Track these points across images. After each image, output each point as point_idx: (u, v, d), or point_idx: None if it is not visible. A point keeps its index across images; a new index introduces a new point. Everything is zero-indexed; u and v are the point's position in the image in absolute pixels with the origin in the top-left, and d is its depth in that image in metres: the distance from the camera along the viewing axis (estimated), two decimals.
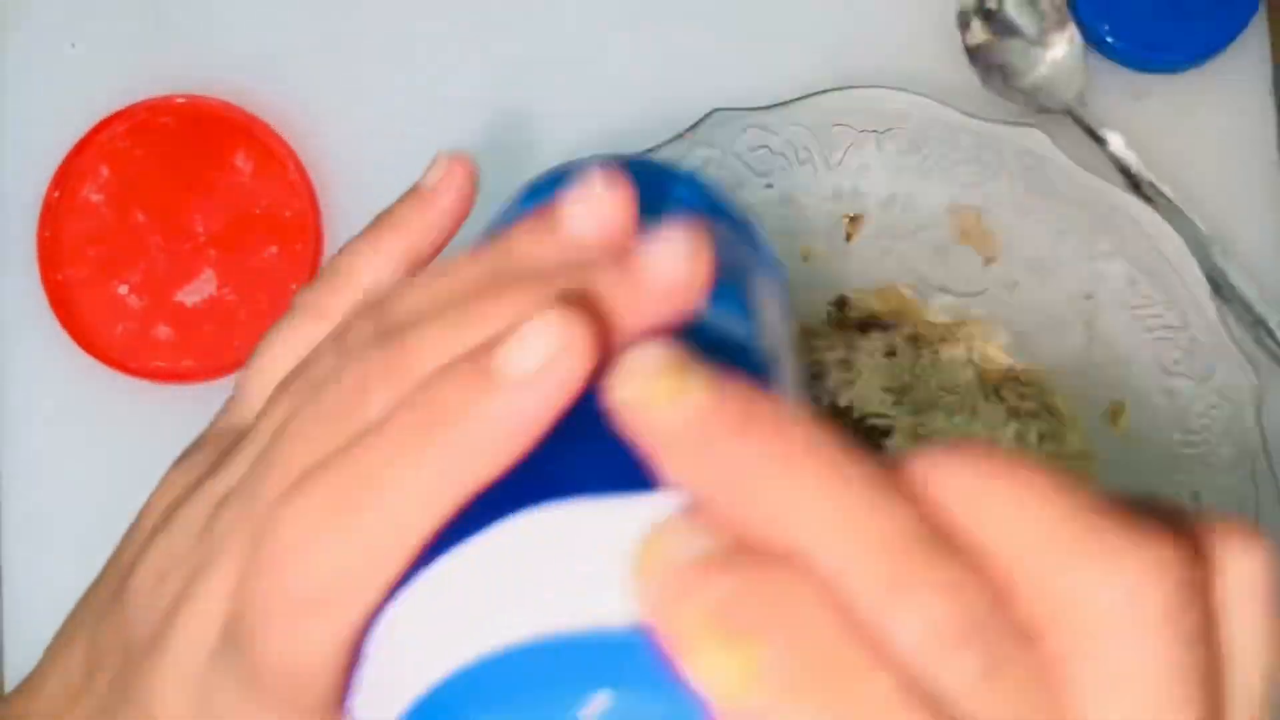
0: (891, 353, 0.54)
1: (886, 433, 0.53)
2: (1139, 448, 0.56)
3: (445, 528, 0.25)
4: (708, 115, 0.55)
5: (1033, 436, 0.54)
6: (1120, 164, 0.58)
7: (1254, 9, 0.58)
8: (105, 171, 0.59)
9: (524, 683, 0.23)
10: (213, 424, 0.34)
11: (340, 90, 0.60)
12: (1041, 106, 0.58)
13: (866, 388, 0.53)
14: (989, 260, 0.57)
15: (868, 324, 0.56)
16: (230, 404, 0.34)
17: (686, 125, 0.55)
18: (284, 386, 0.30)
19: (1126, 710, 0.22)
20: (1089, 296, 0.56)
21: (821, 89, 0.55)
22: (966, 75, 0.59)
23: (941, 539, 0.22)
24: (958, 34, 0.59)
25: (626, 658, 0.23)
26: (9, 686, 0.58)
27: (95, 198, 0.59)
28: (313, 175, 0.59)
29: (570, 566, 0.24)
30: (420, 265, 0.34)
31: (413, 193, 0.35)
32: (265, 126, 0.59)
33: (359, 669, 0.26)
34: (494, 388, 0.25)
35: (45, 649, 0.34)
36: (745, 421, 0.23)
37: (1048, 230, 0.56)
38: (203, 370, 0.59)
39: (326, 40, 0.60)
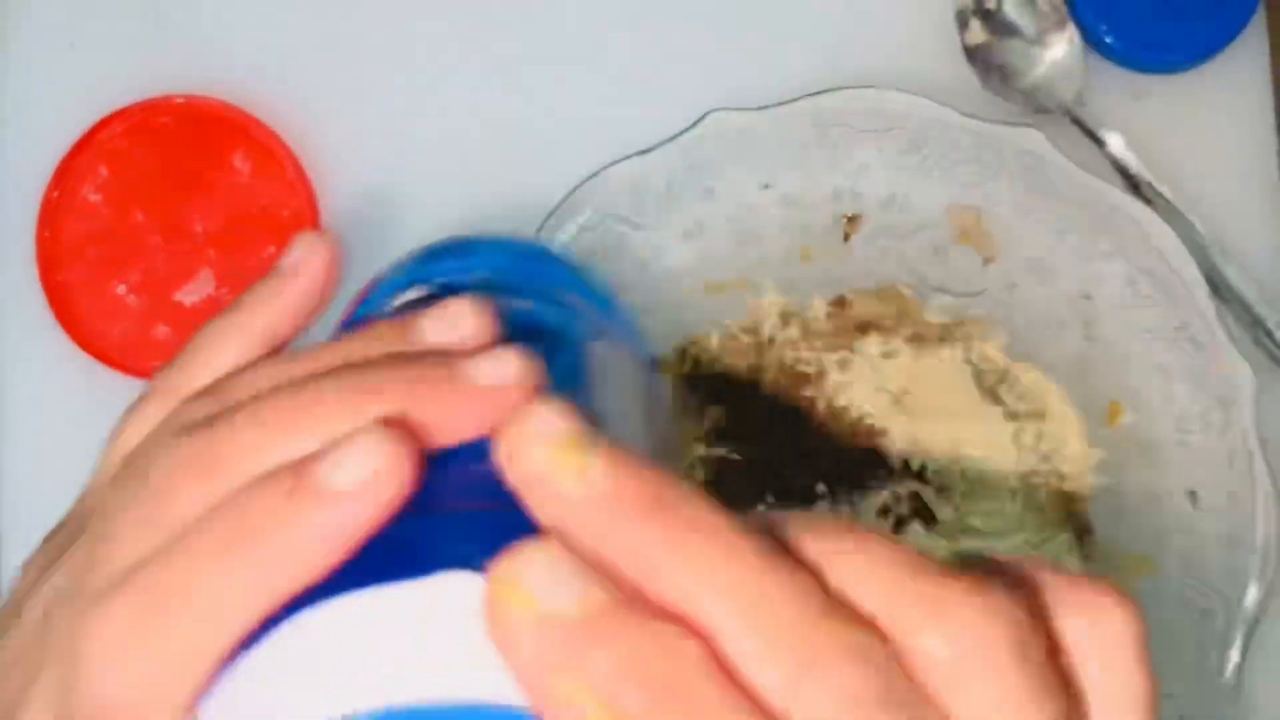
0: (890, 353, 0.54)
1: (884, 434, 0.53)
2: (1136, 448, 0.56)
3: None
4: (705, 115, 0.55)
5: (1030, 437, 0.54)
6: (1119, 164, 0.58)
7: (1253, 10, 0.58)
8: (104, 171, 0.59)
9: None
10: (74, 504, 0.34)
11: (339, 90, 0.60)
12: (1040, 106, 0.58)
13: (865, 388, 0.53)
14: (988, 260, 0.57)
15: (866, 324, 0.56)
16: (88, 485, 0.33)
17: (684, 125, 0.55)
18: (115, 475, 0.30)
19: None
20: (1087, 297, 0.56)
21: (820, 89, 0.55)
22: (965, 75, 0.59)
23: (841, 606, 0.23)
24: (957, 34, 0.59)
25: None
26: None
27: (94, 197, 0.59)
28: (311, 175, 0.59)
29: (407, 643, 0.24)
30: (280, 345, 0.33)
31: (274, 273, 0.34)
32: (263, 126, 0.59)
33: None
34: (310, 502, 0.25)
35: None
36: (645, 504, 0.23)
37: (1046, 230, 0.56)
38: None
39: (325, 40, 0.60)
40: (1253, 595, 0.54)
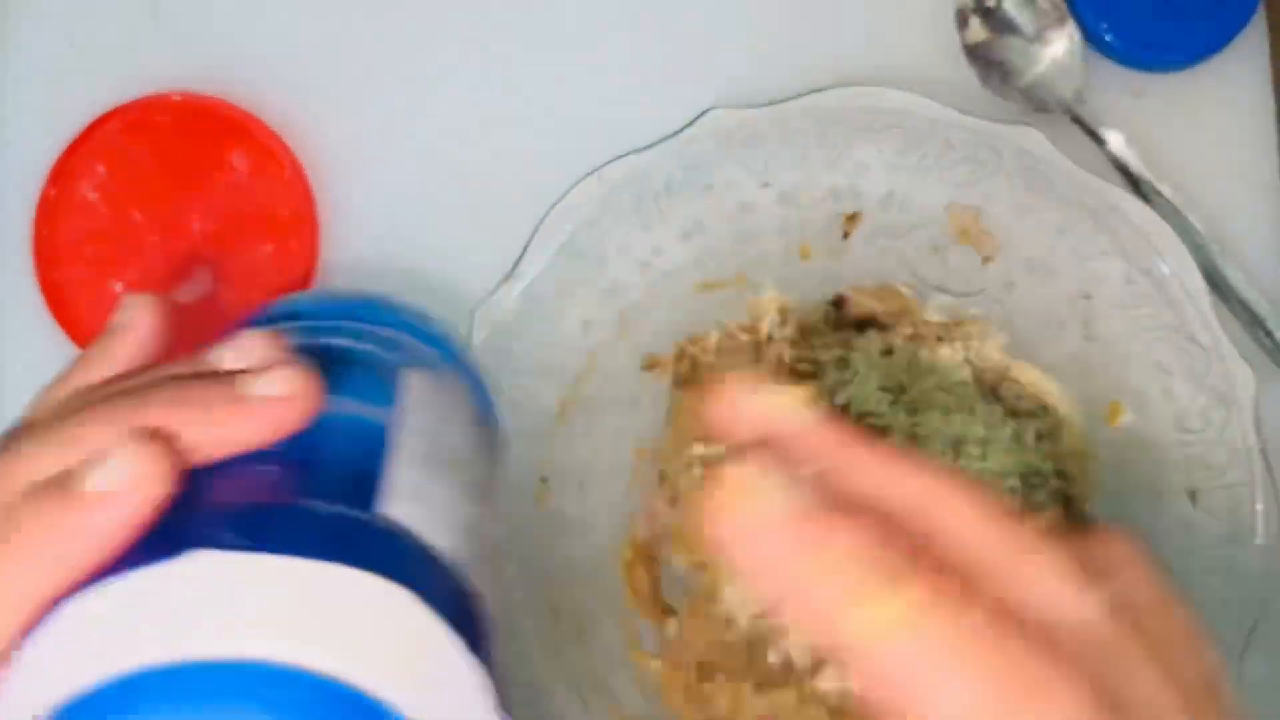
0: (889, 352, 0.54)
1: (883, 433, 0.53)
2: (1136, 447, 0.56)
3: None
4: (704, 113, 0.55)
5: (1030, 436, 0.54)
6: (1118, 163, 0.58)
7: (1253, 8, 0.58)
8: (102, 169, 0.59)
9: (168, 697, 0.28)
10: None
11: (337, 88, 0.60)
12: (1040, 105, 0.58)
13: (863, 387, 0.53)
14: (987, 260, 0.56)
15: (865, 323, 0.56)
16: None
17: (683, 123, 0.55)
18: None
19: None
20: (1087, 296, 0.56)
21: (819, 87, 0.55)
22: (965, 74, 0.59)
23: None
24: (956, 32, 0.59)
25: (272, 687, 0.29)
26: None
27: (91, 196, 0.59)
28: (309, 173, 0.59)
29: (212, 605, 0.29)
30: None
31: (105, 333, 0.39)
32: (261, 124, 0.59)
33: None
34: (70, 505, 0.30)
35: None
36: (849, 435, 0.32)
37: (1046, 230, 0.55)
38: None
39: (323, 38, 0.60)
40: (1253, 595, 0.54)
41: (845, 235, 0.57)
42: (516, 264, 0.55)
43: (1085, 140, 0.58)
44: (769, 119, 0.55)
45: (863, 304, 0.57)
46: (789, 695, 0.53)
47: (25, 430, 0.34)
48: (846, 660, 0.28)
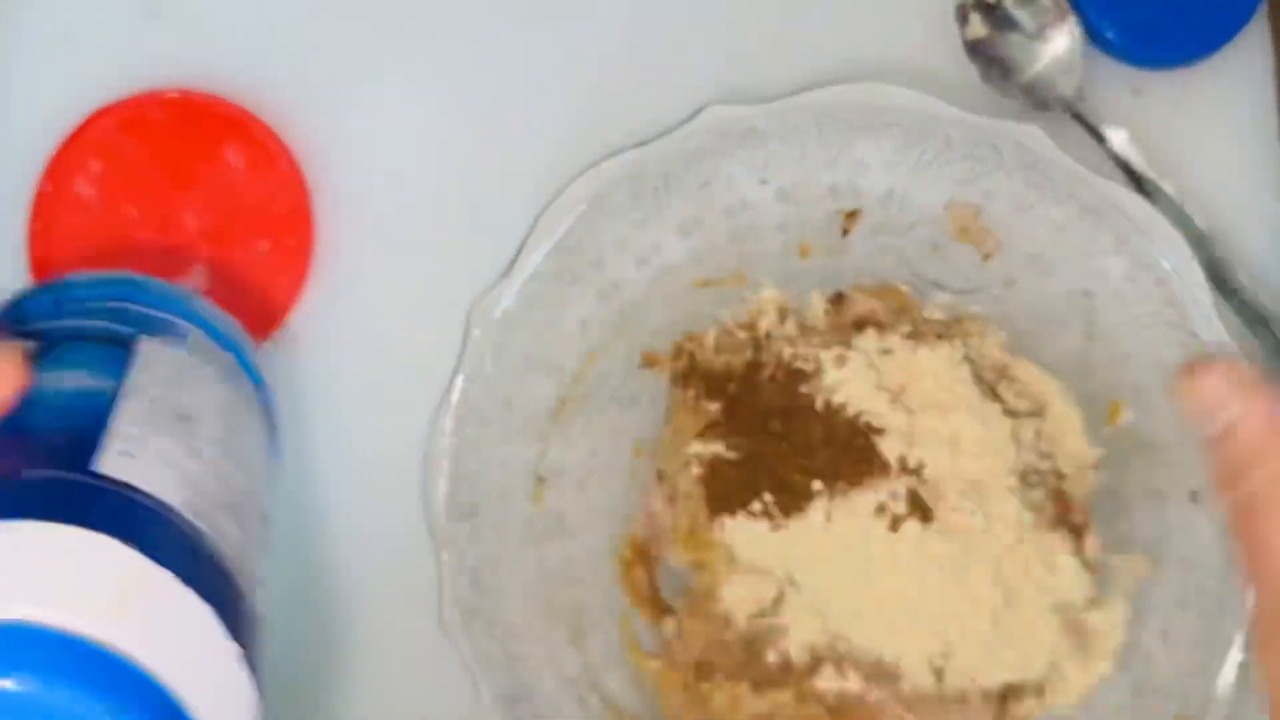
0: (888, 350, 0.54)
1: (881, 431, 0.53)
2: (1137, 446, 0.56)
3: None
4: (702, 109, 0.55)
5: (1029, 435, 0.54)
6: (1120, 160, 0.58)
7: (1255, 6, 0.58)
8: (97, 165, 0.59)
9: None
10: None
11: (334, 85, 0.60)
12: (1040, 102, 0.58)
13: (862, 385, 0.53)
14: (987, 257, 0.57)
15: (864, 321, 0.56)
16: None
17: (681, 119, 0.55)
18: None
19: None
20: (1087, 293, 0.56)
21: (818, 84, 0.55)
22: (966, 70, 0.59)
23: None
24: (957, 29, 0.59)
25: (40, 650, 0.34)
26: None
27: (87, 192, 0.59)
28: (305, 170, 0.59)
29: None
30: None
31: None
32: (258, 121, 0.59)
33: None
34: None
35: None
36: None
37: (1046, 227, 0.56)
38: None
39: (320, 35, 0.60)
40: (1253, 595, 0.54)
41: (844, 233, 0.57)
42: (513, 261, 0.55)
43: (1086, 137, 0.58)
44: (768, 116, 0.55)
45: (862, 302, 0.57)
46: (787, 694, 0.54)
47: None
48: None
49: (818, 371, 0.54)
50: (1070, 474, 0.55)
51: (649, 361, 0.57)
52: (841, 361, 0.54)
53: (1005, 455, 0.53)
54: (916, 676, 0.53)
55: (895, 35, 0.59)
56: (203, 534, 0.42)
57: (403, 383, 0.58)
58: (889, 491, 0.52)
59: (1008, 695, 0.54)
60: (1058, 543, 0.53)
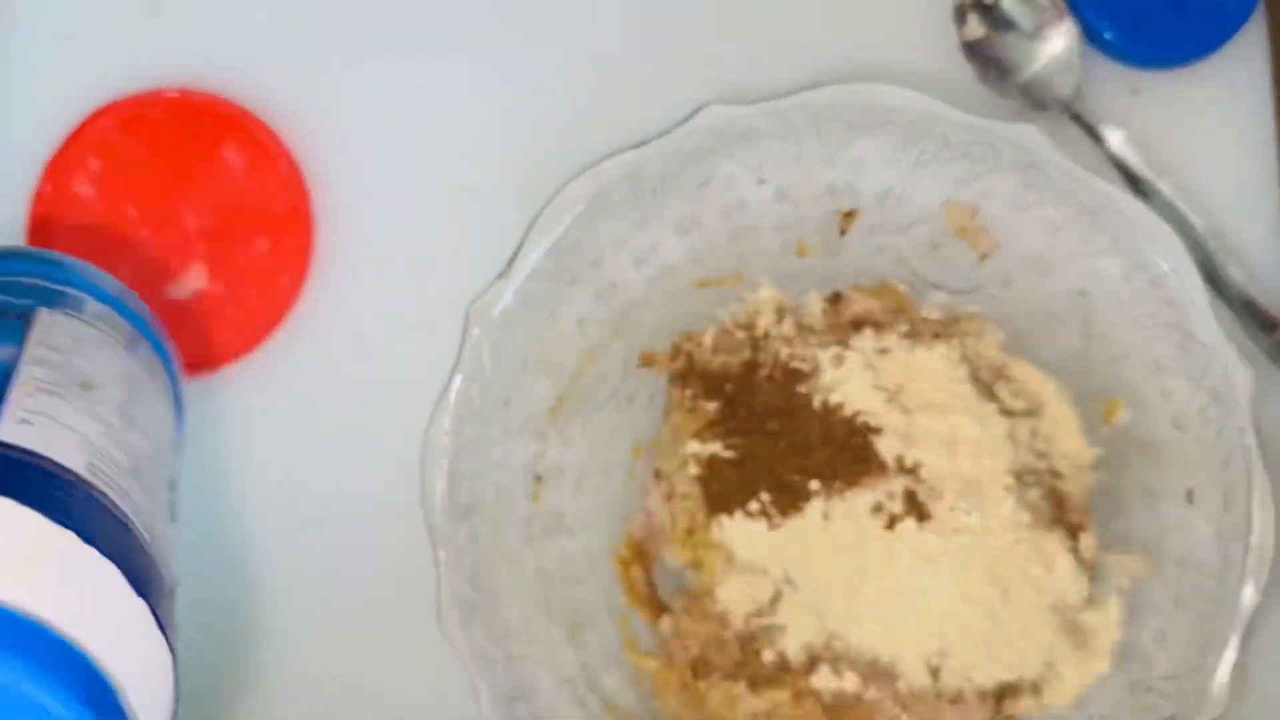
0: (885, 350, 0.54)
1: (878, 431, 0.53)
2: (1133, 446, 0.56)
3: None
4: (700, 109, 0.55)
5: (1025, 434, 0.54)
6: (1117, 160, 0.58)
7: (1252, 6, 0.58)
8: (97, 165, 0.59)
9: None
10: None
11: (333, 85, 0.60)
12: (1038, 102, 0.58)
13: (859, 385, 0.53)
14: (984, 257, 0.57)
15: (862, 321, 0.56)
16: None
17: (679, 119, 0.55)
18: None
19: None
20: (1084, 293, 0.56)
21: (815, 84, 0.55)
22: (964, 70, 0.59)
23: None
24: (954, 29, 0.59)
25: None
26: None
27: (86, 191, 0.59)
28: (304, 169, 0.59)
29: None
30: None
31: None
32: (257, 120, 0.59)
33: None
34: None
35: None
36: None
37: (1043, 227, 0.56)
38: (192, 365, 0.58)
39: (319, 34, 0.60)
40: (1249, 594, 0.54)
41: (842, 232, 0.57)
42: (512, 260, 0.55)
43: (1084, 137, 0.58)
44: (765, 115, 0.55)
45: (859, 302, 0.57)
46: (784, 694, 0.54)
47: None
48: None
49: (815, 371, 0.54)
50: (1067, 473, 0.55)
51: (647, 361, 0.57)
52: (839, 361, 0.54)
53: (1002, 455, 0.53)
54: (913, 675, 0.53)
55: (893, 35, 0.59)
56: (107, 497, 0.44)
57: (401, 382, 0.58)
58: (886, 491, 0.52)
59: (1004, 694, 0.54)
60: (1054, 542, 0.52)
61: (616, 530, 0.58)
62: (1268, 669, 0.57)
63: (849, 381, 0.54)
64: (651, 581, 0.58)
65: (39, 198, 0.59)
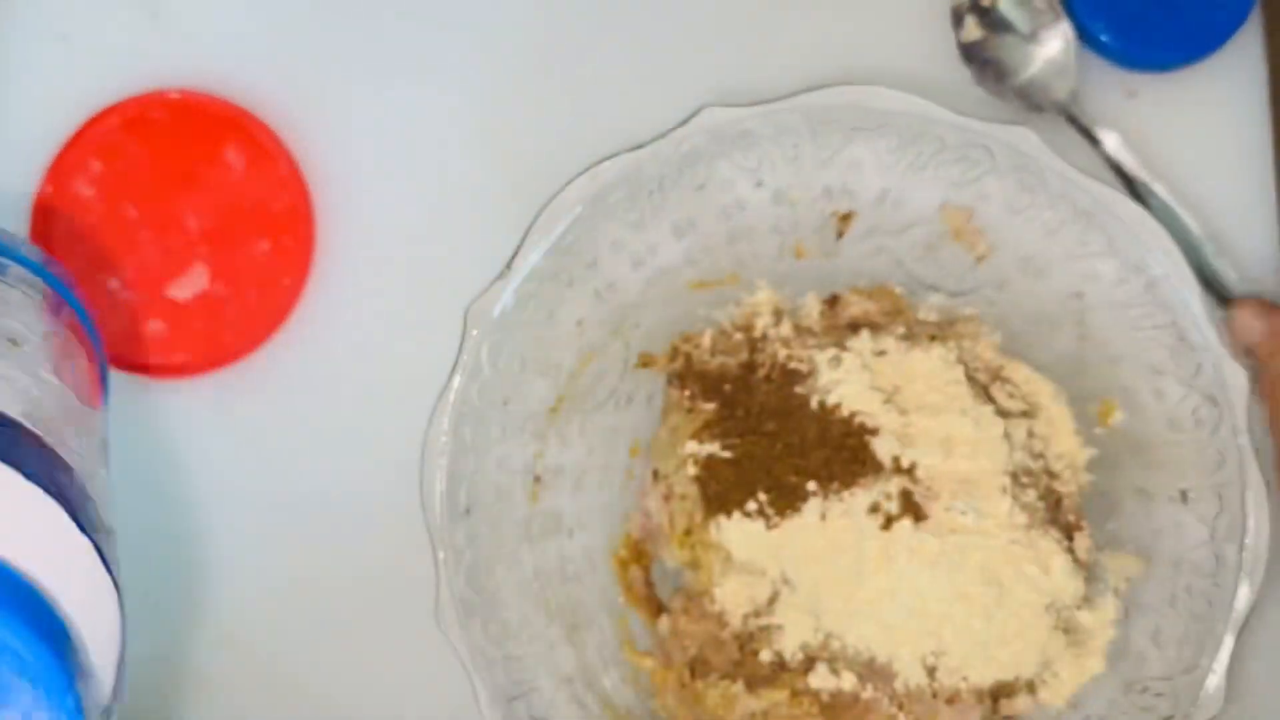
0: (882, 351, 0.54)
1: (875, 432, 0.53)
2: (1128, 446, 0.56)
3: None
4: (698, 111, 0.55)
5: (1021, 435, 0.54)
6: (1113, 162, 0.58)
7: (1248, 9, 0.58)
8: (97, 166, 0.59)
9: None
10: None
11: (333, 86, 0.60)
12: (1035, 104, 0.58)
13: (856, 386, 0.53)
14: (980, 259, 0.57)
15: (859, 322, 0.56)
16: None
17: (676, 122, 0.55)
18: None
19: None
20: (1079, 295, 0.56)
21: (812, 86, 0.55)
22: (960, 73, 0.59)
23: None
24: (951, 32, 0.59)
25: None
26: None
27: (88, 192, 0.59)
28: (305, 170, 0.59)
29: None
30: None
31: None
32: (257, 121, 0.59)
33: None
34: None
35: None
36: None
37: (1038, 229, 0.56)
38: (194, 365, 0.59)
39: (319, 35, 0.60)
40: (1243, 595, 0.54)
41: (839, 235, 0.57)
42: (510, 261, 0.55)
43: (1080, 140, 0.58)
44: (762, 118, 0.55)
45: (856, 303, 0.57)
46: (781, 693, 0.54)
47: None
48: None
49: (812, 372, 0.54)
50: (1062, 474, 0.55)
51: (645, 362, 0.58)
52: (836, 363, 0.54)
53: (998, 455, 0.53)
54: (909, 675, 0.53)
55: (890, 38, 0.59)
56: (44, 442, 0.45)
57: (400, 382, 0.58)
58: (883, 491, 0.52)
59: (1000, 693, 0.54)
60: (1050, 542, 0.53)
61: (615, 530, 0.58)
62: (1262, 669, 0.57)
63: (846, 383, 0.54)
64: (650, 581, 0.58)
65: (41, 199, 0.59)
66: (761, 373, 0.55)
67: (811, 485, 0.53)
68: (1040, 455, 0.55)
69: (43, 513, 0.43)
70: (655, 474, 0.56)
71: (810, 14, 0.60)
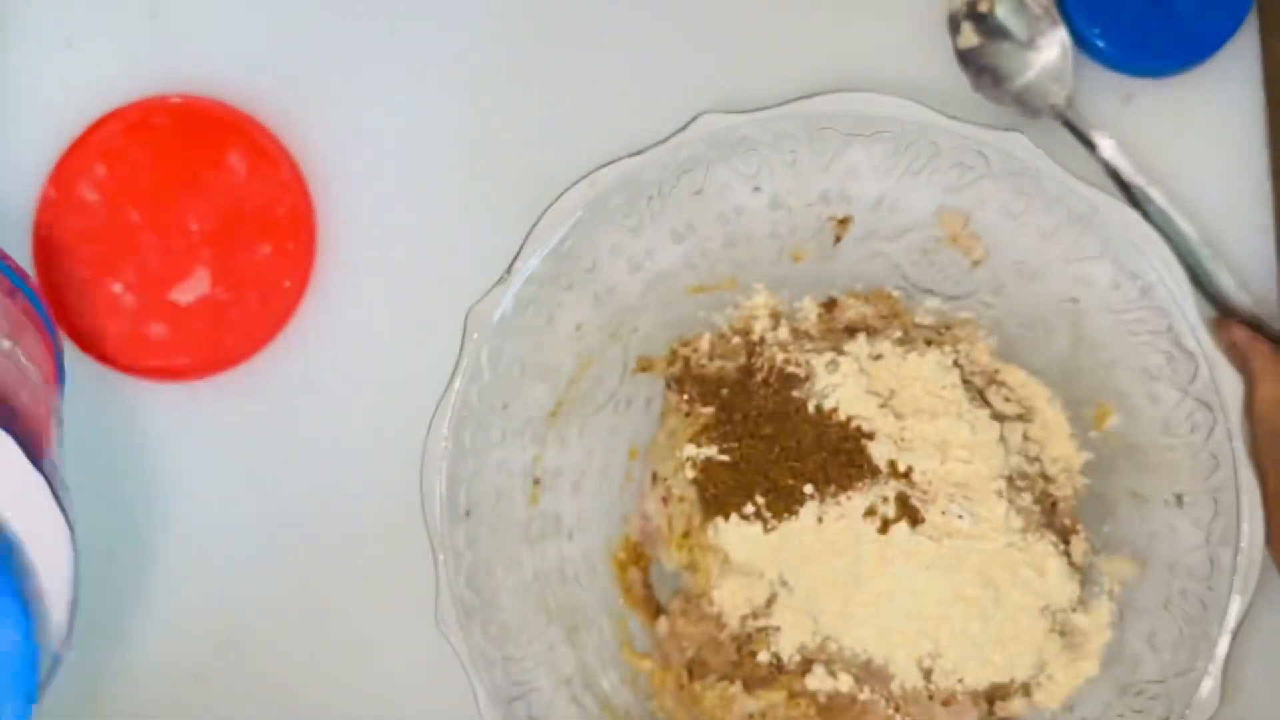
0: (879, 355, 0.55)
1: (871, 436, 0.53)
2: (1123, 450, 0.56)
3: None
4: (696, 117, 0.55)
5: (1017, 439, 0.54)
6: (1109, 167, 0.58)
7: (1244, 14, 0.58)
8: (101, 170, 0.59)
9: None
10: None
11: (334, 90, 0.60)
12: (1031, 110, 0.58)
13: (853, 390, 0.54)
14: (976, 263, 0.57)
15: (856, 326, 0.56)
16: None
17: (675, 127, 0.55)
18: None
19: None
20: (1074, 300, 0.56)
21: (809, 93, 0.56)
22: (957, 79, 0.59)
23: None
24: (948, 38, 0.59)
25: None
26: None
27: (91, 196, 0.59)
28: (306, 174, 0.60)
29: None
30: None
31: None
32: (259, 126, 0.59)
33: None
34: None
35: None
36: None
37: (1034, 234, 0.56)
38: (196, 368, 0.59)
39: (320, 41, 0.61)
40: (1238, 598, 0.54)
41: (836, 239, 0.57)
42: (510, 265, 0.55)
43: (1076, 145, 0.58)
44: (760, 124, 0.55)
45: (853, 307, 0.57)
46: (778, 694, 0.54)
47: None
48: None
49: (809, 376, 0.54)
50: (1057, 478, 0.55)
51: (644, 365, 0.58)
52: (833, 367, 0.54)
53: (993, 459, 0.53)
54: (906, 677, 0.53)
55: (886, 45, 0.60)
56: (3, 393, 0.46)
57: (401, 385, 0.59)
58: (879, 495, 0.52)
59: (995, 695, 0.54)
60: (1045, 545, 0.53)
61: (614, 532, 0.58)
62: (1257, 672, 0.57)
63: (843, 386, 0.54)
64: (648, 583, 0.58)
65: (44, 202, 0.59)
66: (759, 377, 0.55)
67: (809, 488, 0.53)
68: (1036, 459, 0.55)
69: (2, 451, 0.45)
70: (654, 477, 0.56)
71: (807, 20, 0.60)
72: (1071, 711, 0.55)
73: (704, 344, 0.57)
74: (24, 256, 0.59)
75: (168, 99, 0.60)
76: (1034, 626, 0.53)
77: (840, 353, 0.54)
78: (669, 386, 0.57)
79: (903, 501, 0.52)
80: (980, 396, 0.55)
